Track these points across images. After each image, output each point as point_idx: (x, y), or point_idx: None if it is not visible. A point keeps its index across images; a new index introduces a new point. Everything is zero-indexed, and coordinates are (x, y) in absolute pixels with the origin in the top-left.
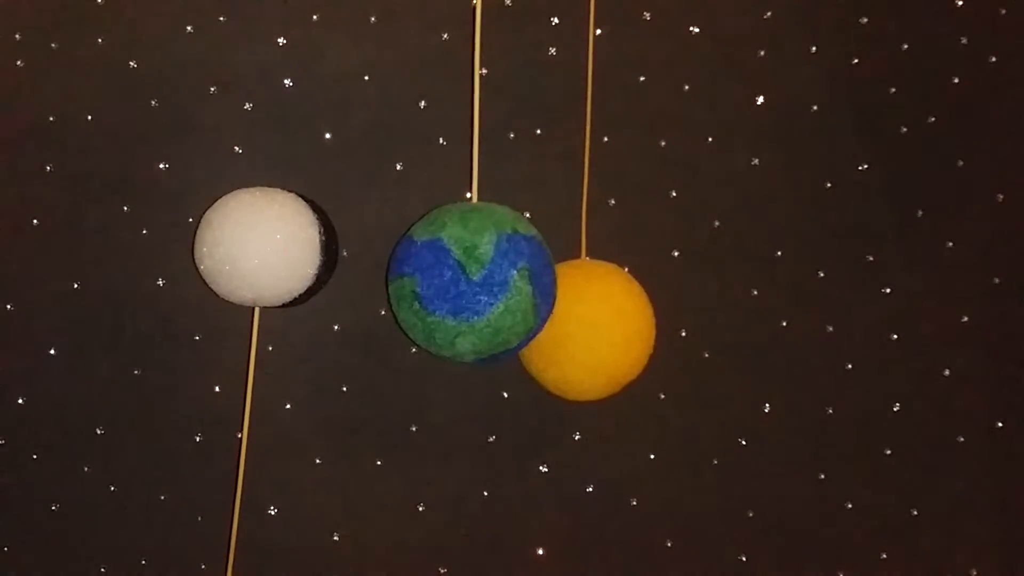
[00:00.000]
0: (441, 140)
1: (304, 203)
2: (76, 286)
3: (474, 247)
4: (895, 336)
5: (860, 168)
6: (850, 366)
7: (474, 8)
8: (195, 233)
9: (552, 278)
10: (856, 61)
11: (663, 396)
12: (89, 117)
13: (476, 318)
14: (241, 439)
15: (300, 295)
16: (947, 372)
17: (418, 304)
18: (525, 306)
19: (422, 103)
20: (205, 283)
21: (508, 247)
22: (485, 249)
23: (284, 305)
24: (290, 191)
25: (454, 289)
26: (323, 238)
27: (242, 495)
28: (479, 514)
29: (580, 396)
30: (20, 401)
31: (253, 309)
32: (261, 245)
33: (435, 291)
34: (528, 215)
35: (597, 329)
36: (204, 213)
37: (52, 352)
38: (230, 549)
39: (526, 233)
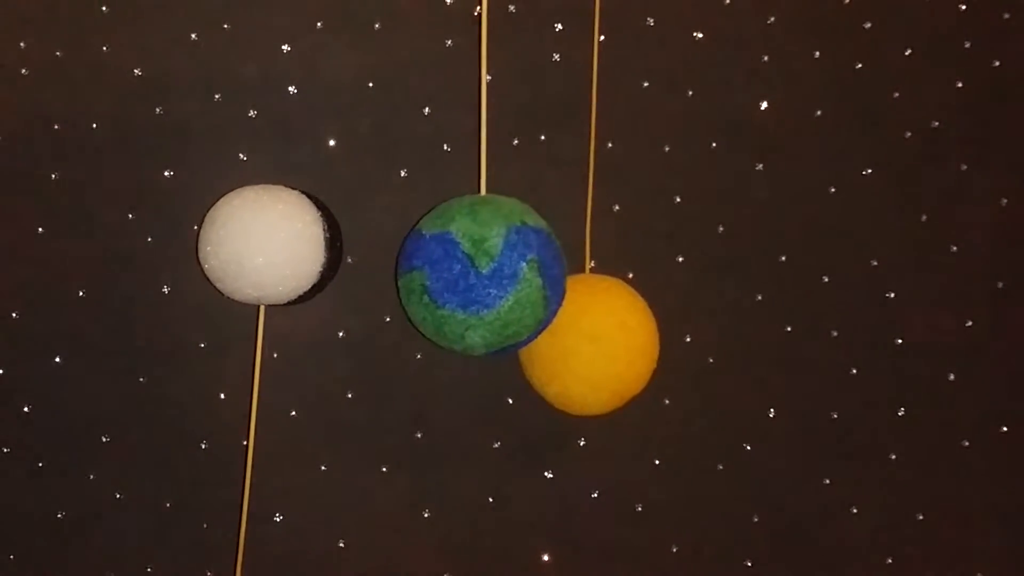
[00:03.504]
0: (445, 146)
1: (308, 200)
2: (81, 294)
3: (483, 240)
4: (899, 341)
5: (864, 172)
6: (855, 371)
7: (479, 15)
8: (199, 232)
9: (562, 270)
10: (860, 66)
11: (668, 402)
12: (94, 125)
13: (486, 311)
14: (246, 447)
15: (305, 293)
16: (952, 377)
17: (427, 297)
18: (535, 298)
19: (426, 109)
20: (210, 283)
21: (517, 239)
22: (494, 242)
23: (289, 303)
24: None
25: (463, 282)
26: (327, 235)
27: (245, 502)
28: (484, 520)
29: (582, 411)
30: (25, 409)
31: (258, 308)
32: (266, 242)
33: (444, 284)
34: None
35: (600, 344)
36: (207, 211)
37: (57, 360)
38: (238, 557)
39: (535, 225)
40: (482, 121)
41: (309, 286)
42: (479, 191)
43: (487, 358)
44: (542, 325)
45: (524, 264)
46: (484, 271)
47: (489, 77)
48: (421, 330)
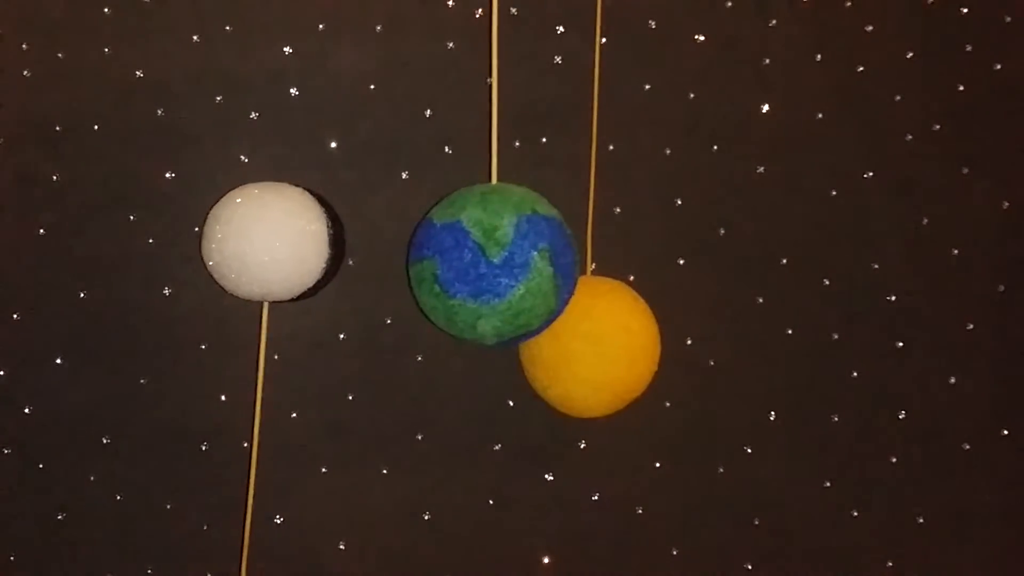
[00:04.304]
0: (447, 148)
1: (311, 197)
2: (82, 295)
3: (494, 229)
4: (900, 344)
5: (865, 176)
6: (855, 374)
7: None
8: (202, 230)
9: (573, 259)
10: (861, 69)
11: (668, 404)
12: (95, 126)
13: (497, 300)
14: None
15: (309, 289)
16: (952, 380)
17: (438, 287)
18: (546, 287)
19: (428, 111)
20: (213, 281)
21: (528, 228)
22: (505, 231)
23: (293, 299)
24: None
25: (474, 271)
26: (331, 231)
27: (246, 503)
28: (485, 522)
29: (584, 413)
30: (26, 410)
31: (262, 305)
32: (270, 239)
33: (455, 274)
34: None
35: (601, 346)
36: (210, 209)
37: (58, 361)
38: (242, 558)
39: (546, 214)
40: (494, 113)
41: (313, 282)
42: (491, 173)
43: (497, 347)
44: (554, 314)
45: (535, 253)
46: (495, 260)
47: (489, 80)
48: (432, 319)
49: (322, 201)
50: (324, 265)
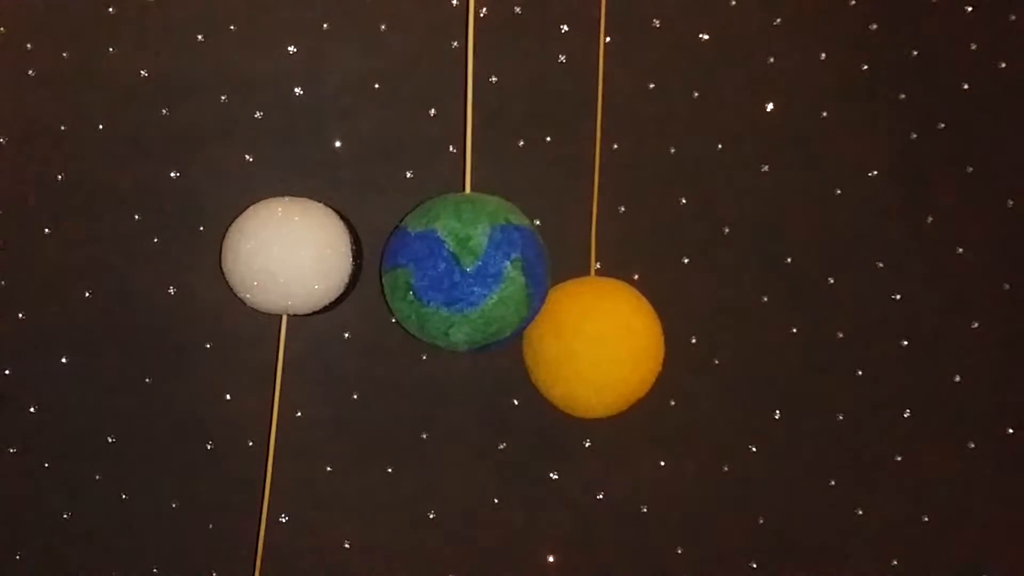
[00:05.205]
0: (451, 147)
1: (332, 211)
2: (88, 294)
3: (468, 238)
4: (905, 342)
5: (870, 174)
6: (860, 372)
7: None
8: (221, 244)
9: (545, 269)
10: (866, 67)
11: (673, 403)
12: (100, 126)
13: (470, 309)
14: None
15: (330, 303)
16: (957, 378)
17: (412, 295)
18: (518, 296)
19: (432, 111)
20: (233, 293)
21: (501, 238)
22: (479, 240)
23: (312, 313)
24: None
25: (448, 280)
26: (353, 246)
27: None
28: (490, 521)
29: (587, 413)
30: (32, 409)
31: (280, 317)
32: (297, 255)
33: (429, 282)
34: (538, 222)
35: (604, 347)
36: (233, 223)
37: (63, 360)
38: (257, 557)
39: (519, 224)
40: (468, 117)
41: (335, 296)
42: (464, 183)
43: (470, 353)
44: (524, 323)
45: (508, 263)
46: (469, 269)
47: (494, 79)
48: (405, 326)
49: (341, 216)
50: (346, 279)
